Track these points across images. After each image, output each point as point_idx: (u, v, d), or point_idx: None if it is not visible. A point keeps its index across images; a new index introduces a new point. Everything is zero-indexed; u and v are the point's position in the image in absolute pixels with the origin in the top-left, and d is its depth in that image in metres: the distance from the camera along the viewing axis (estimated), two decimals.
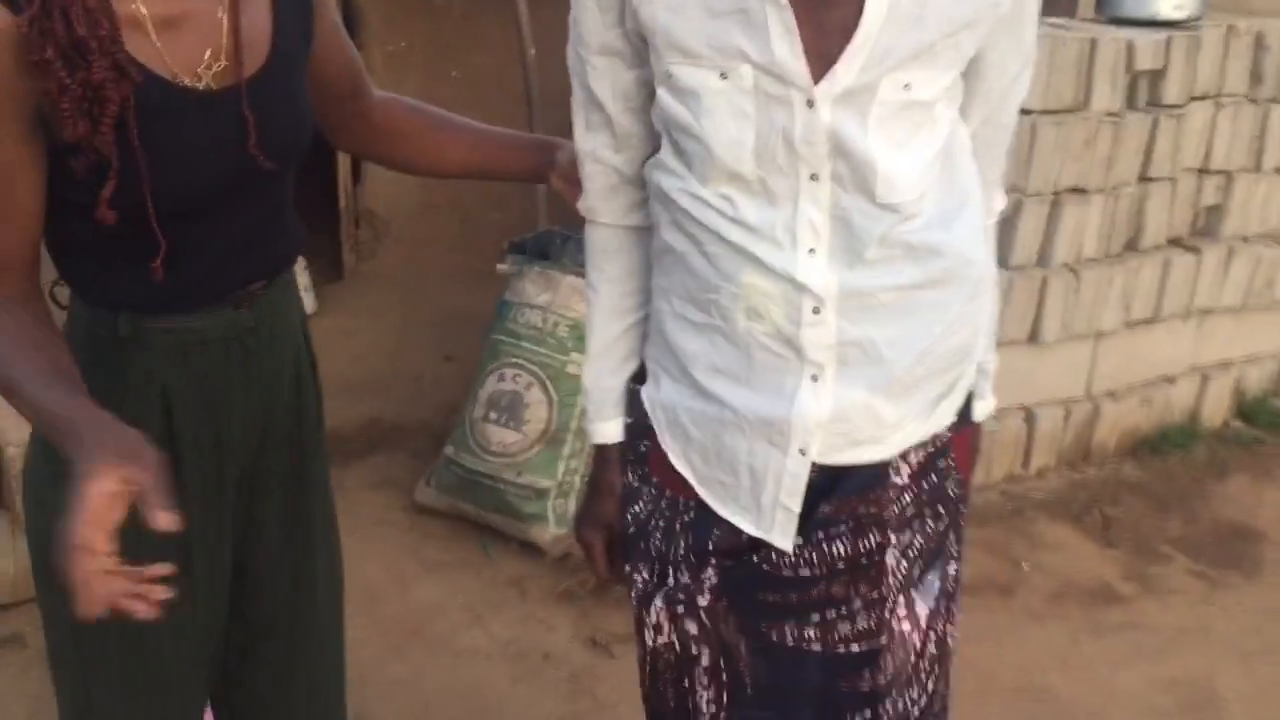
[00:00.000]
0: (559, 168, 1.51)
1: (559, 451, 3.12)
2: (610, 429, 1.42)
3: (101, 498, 1.02)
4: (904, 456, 1.33)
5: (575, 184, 1.42)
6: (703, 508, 1.36)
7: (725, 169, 1.21)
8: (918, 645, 1.37)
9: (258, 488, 1.42)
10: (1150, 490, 3.79)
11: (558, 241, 3.29)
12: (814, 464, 1.28)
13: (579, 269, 3.21)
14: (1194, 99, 3.72)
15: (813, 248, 1.21)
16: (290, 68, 1.31)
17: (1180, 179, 3.80)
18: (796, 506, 1.30)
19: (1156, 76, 3.65)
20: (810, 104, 1.17)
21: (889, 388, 1.27)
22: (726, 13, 1.15)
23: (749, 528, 1.33)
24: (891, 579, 1.34)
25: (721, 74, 1.17)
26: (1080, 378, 3.86)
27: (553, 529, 3.09)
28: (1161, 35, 3.61)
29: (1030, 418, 3.77)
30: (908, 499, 1.34)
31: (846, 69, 1.16)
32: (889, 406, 1.29)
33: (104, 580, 1.01)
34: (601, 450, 1.46)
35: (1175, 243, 3.91)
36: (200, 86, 1.21)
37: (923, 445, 1.35)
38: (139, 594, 1.04)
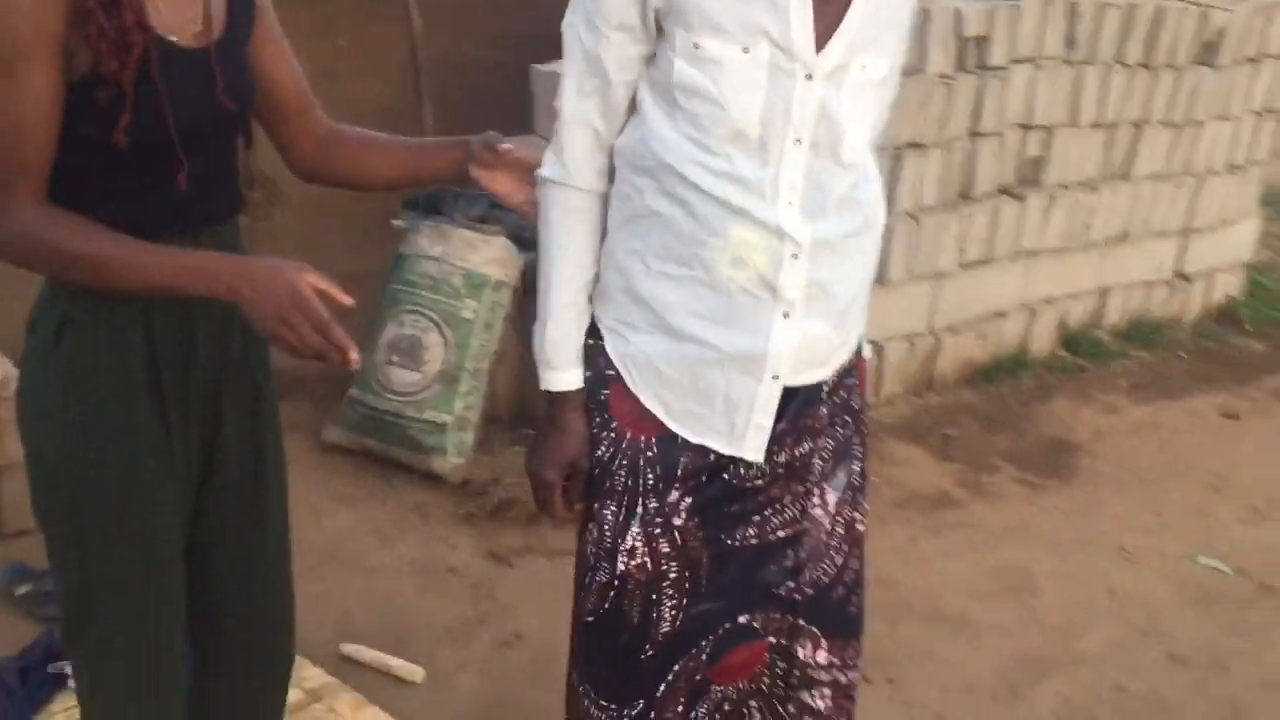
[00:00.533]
0: (475, 158, 1.77)
1: (455, 389, 3.42)
2: (572, 377, 1.65)
3: (311, 280, 1.41)
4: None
5: (489, 169, 1.72)
6: (664, 443, 1.62)
7: (734, 129, 1.49)
8: (828, 527, 1.71)
9: (222, 394, 1.69)
10: (984, 412, 4.26)
11: (449, 198, 3.58)
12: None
13: (470, 223, 3.51)
14: (1016, 61, 4.17)
15: (790, 201, 1.53)
16: (240, 39, 1.60)
17: (1006, 133, 4.25)
18: (769, 424, 1.60)
19: (983, 42, 4.07)
20: (809, 77, 1.49)
21: (838, 319, 1.61)
22: None
23: (722, 448, 1.61)
24: (813, 476, 1.67)
25: (744, 48, 1.46)
26: (922, 314, 4.29)
27: (452, 459, 3.40)
28: (987, 5, 4.04)
29: (879, 351, 4.18)
30: (825, 411, 1.67)
31: (835, 49, 1.48)
32: (835, 335, 1.62)
33: (318, 330, 1.40)
34: (562, 396, 1.66)
35: (1004, 191, 4.36)
36: (184, 44, 1.51)
37: (841, 366, 1.70)
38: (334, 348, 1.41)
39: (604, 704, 1.70)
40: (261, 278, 1.43)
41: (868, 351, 1.80)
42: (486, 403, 3.52)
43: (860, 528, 1.75)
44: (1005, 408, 4.31)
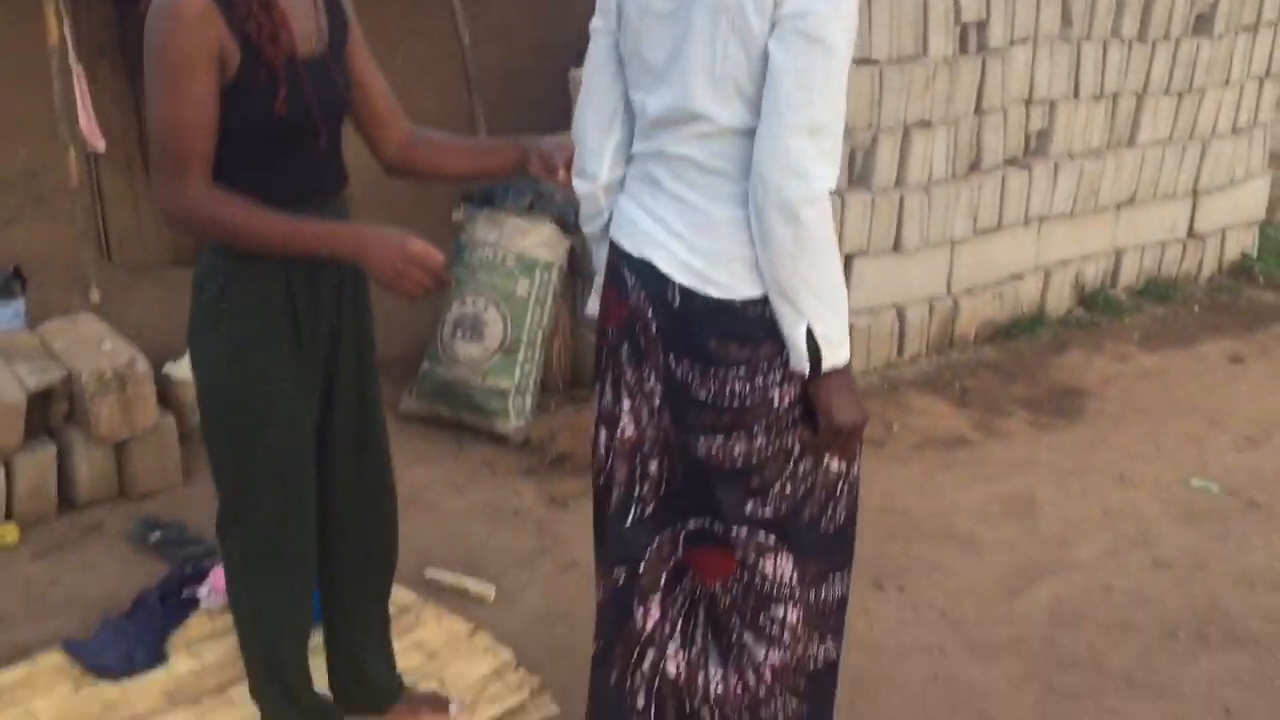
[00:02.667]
0: (534, 156, 2.20)
1: (514, 359, 3.87)
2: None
3: (414, 241, 1.84)
4: None
5: (549, 168, 2.15)
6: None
7: None
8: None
9: (339, 333, 2.16)
10: (1002, 366, 4.62)
11: (499, 191, 4.04)
12: None
13: (520, 212, 3.96)
14: (1015, 42, 4.53)
15: None
16: (339, 51, 2.08)
17: (1010, 109, 4.61)
18: None
19: (982, 25, 4.43)
20: None
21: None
22: None
23: None
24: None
25: None
26: (940, 279, 4.66)
27: (514, 421, 3.85)
28: None
29: (900, 314, 4.56)
30: None
31: None
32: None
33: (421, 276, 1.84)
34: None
35: (1011, 162, 4.72)
36: (305, 54, 1.97)
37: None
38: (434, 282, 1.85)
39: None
40: (377, 240, 1.89)
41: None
42: (542, 370, 3.96)
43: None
44: (1021, 361, 4.66)
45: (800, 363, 1.85)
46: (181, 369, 3.86)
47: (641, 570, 2.08)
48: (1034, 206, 4.78)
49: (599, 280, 2.14)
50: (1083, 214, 4.97)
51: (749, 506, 1.97)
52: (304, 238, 1.91)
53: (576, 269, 4.07)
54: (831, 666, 2.10)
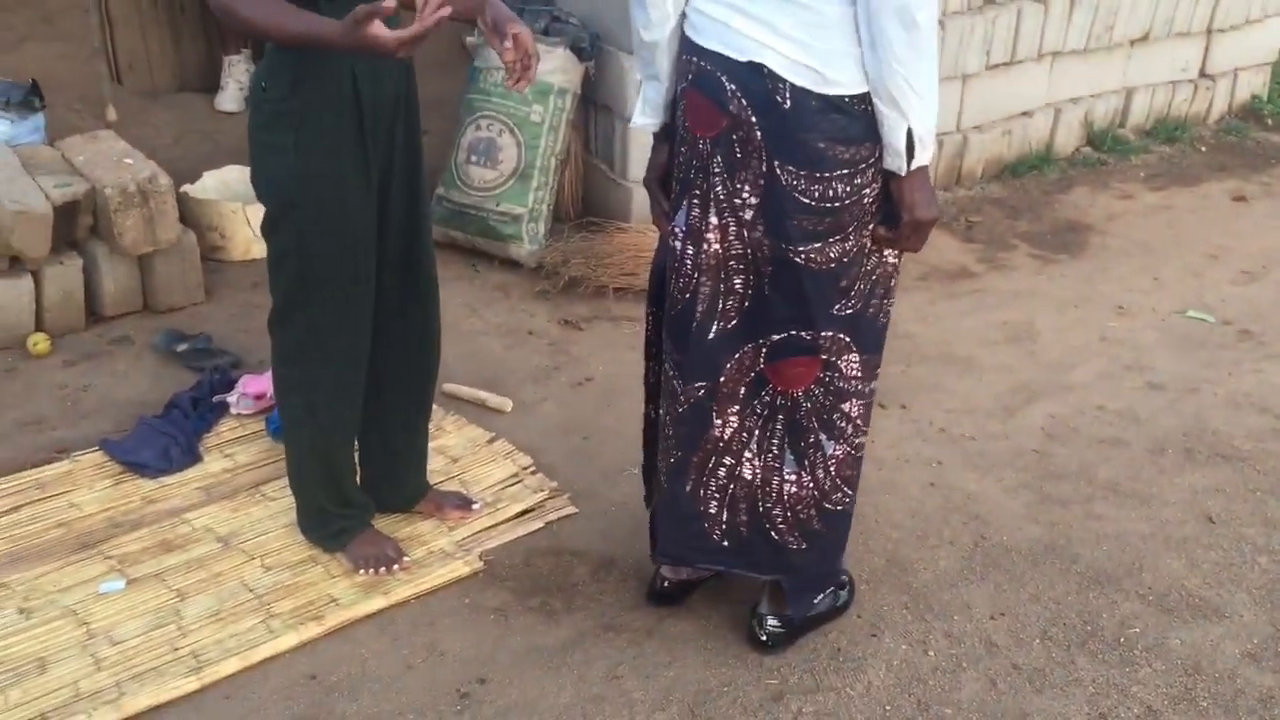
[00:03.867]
0: (487, 19, 2.18)
1: (528, 185, 3.92)
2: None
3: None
4: None
5: (495, 34, 2.14)
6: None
7: None
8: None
9: (395, 127, 2.23)
10: (1008, 203, 4.67)
11: (516, 13, 4.01)
12: None
13: (534, 35, 3.94)
14: None
15: None
16: None
17: None
18: None
19: None
20: None
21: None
22: None
23: None
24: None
25: None
26: (950, 114, 4.67)
27: (527, 245, 3.92)
28: None
29: None
30: None
31: None
32: None
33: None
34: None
35: None
36: None
37: None
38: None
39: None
40: (375, 44, 1.87)
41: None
42: (554, 197, 4.01)
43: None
44: (1028, 197, 4.71)
45: (897, 161, 1.95)
46: (201, 189, 3.91)
47: (722, 382, 2.17)
48: (1048, 42, 4.76)
49: (656, 90, 2.15)
50: (1096, 51, 4.95)
51: (837, 306, 2.09)
52: (318, 38, 1.91)
53: (590, 96, 4.08)
54: (861, 452, 2.31)
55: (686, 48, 2.05)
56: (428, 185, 2.41)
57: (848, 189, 1.99)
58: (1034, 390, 3.37)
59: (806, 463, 2.23)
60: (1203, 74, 5.41)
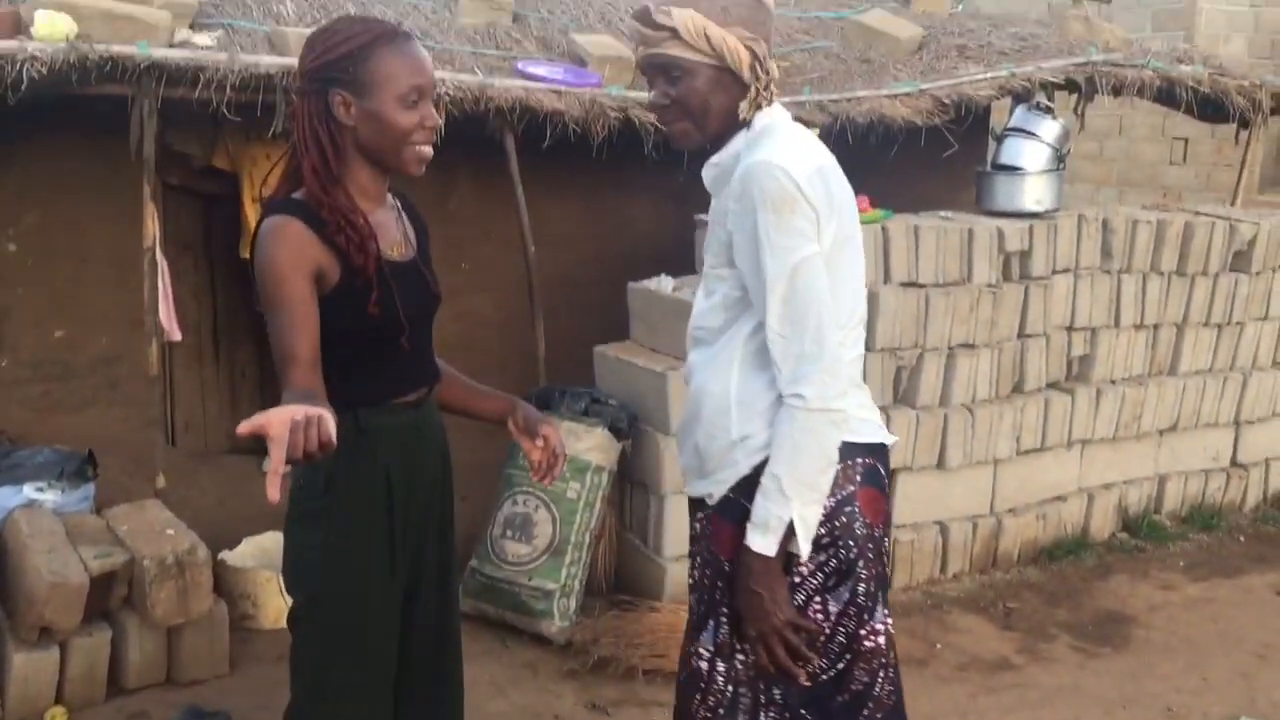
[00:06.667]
0: (518, 421, 2.36)
1: (561, 560, 3.93)
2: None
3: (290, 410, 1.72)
4: None
5: (528, 433, 2.31)
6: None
7: None
8: (827, 631, 2.14)
9: (426, 532, 2.26)
10: (1046, 588, 4.61)
11: (556, 395, 4.17)
12: None
13: (574, 416, 4.08)
14: (1056, 272, 4.70)
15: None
16: (426, 254, 2.26)
17: (1052, 335, 4.74)
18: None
19: (1025, 255, 4.62)
20: None
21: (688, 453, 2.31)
22: None
23: None
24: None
25: None
26: (984, 497, 4.70)
27: (558, 622, 3.88)
28: (1025, 223, 4.60)
29: (944, 531, 4.60)
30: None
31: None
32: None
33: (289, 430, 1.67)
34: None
35: (1053, 385, 4.82)
36: (395, 258, 2.15)
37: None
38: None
39: None
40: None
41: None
42: (587, 572, 4.01)
43: (869, 643, 2.18)
44: (1066, 583, 4.65)
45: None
46: (238, 557, 3.95)
47: None
48: (1076, 429, 4.85)
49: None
50: (1125, 439, 5.03)
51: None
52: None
53: (626, 473, 4.16)
54: None
55: (880, 446, 2.23)
56: (457, 578, 2.42)
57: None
58: None
59: None
60: (1235, 463, 5.46)
